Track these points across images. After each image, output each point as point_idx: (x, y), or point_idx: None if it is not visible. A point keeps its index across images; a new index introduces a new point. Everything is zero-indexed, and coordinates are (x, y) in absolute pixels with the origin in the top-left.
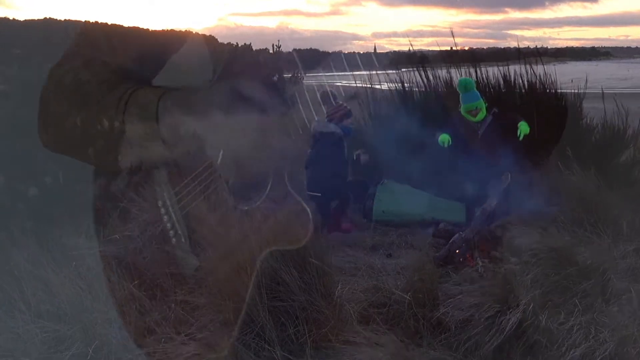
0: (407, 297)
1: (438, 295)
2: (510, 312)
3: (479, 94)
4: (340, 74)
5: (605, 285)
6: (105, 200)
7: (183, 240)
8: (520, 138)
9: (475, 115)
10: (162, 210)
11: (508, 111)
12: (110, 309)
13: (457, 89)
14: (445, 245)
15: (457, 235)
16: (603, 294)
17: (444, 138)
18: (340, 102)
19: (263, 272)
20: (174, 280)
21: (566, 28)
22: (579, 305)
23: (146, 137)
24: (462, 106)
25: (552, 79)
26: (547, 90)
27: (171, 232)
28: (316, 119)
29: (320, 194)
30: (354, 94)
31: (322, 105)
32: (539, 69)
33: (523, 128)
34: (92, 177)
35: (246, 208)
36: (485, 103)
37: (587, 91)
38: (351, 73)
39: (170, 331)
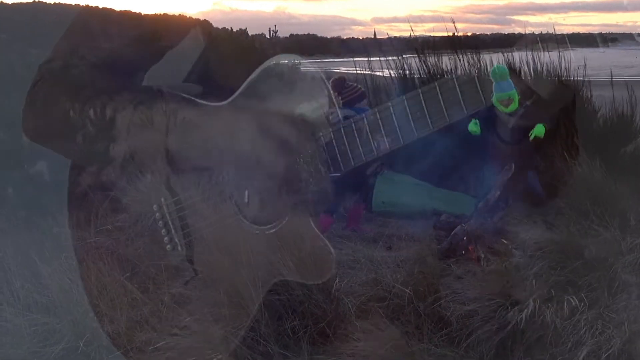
0: (408, 291)
1: (439, 289)
2: (514, 307)
3: (512, 83)
4: (338, 60)
5: (612, 279)
6: (96, 189)
7: (179, 248)
8: (531, 138)
9: (507, 106)
10: (158, 215)
11: (539, 106)
12: (102, 302)
13: (491, 77)
14: (446, 237)
15: (459, 227)
16: (610, 288)
17: (474, 128)
18: (352, 84)
19: (258, 264)
20: (167, 273)
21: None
22: (585, 300)
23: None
24: (494, 95)
25: (563, 66)
26: (556, 79)
27: (166, 238)
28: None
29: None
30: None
31: (334, 92)
32: (545, 55)
33: (537, 130)
34: (82, 165)
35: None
36: (517, 95)
37: (592, 79)
38: (351, 59)
39: (163, 325)
